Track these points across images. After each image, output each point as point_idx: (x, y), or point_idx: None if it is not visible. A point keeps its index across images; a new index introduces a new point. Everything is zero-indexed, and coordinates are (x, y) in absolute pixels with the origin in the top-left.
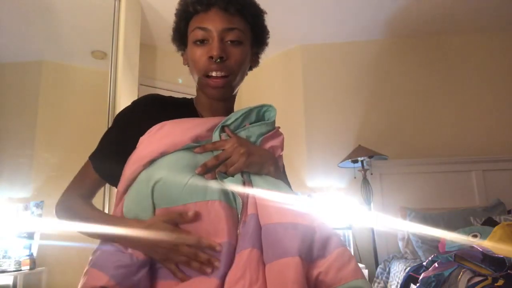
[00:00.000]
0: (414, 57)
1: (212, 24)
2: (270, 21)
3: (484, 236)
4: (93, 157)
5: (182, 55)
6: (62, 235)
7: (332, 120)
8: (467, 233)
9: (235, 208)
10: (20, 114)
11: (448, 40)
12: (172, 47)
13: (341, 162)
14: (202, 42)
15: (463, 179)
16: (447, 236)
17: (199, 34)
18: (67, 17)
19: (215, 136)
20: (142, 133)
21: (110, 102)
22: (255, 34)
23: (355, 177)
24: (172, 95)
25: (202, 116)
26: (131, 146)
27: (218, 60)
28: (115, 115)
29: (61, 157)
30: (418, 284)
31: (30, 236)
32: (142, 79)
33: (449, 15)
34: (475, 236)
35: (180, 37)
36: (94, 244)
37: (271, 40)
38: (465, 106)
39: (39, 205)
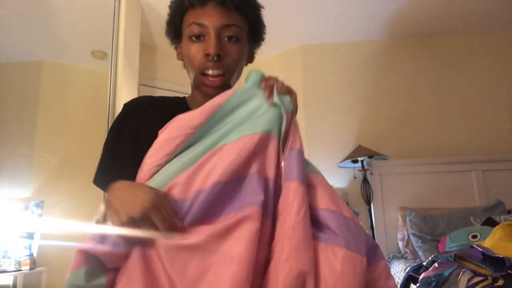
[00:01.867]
0: (414, 57)
1: (209, 19)
2: (270, 21)
3: (484, 236)
4: (96, 180)
5: (176, 48)
6: (62, 235)
7: (332, 120)
8: (467, 233)
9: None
10: (20, 114)
11: (448, 40)
12: (172, 47)
13: (341, 162)
14: (198, 38)
15: (463, 179)
16: (447, 236)
17: (195, 29)
18: (67, 17)
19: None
20: (138, 138)
21: (110, 102)
22: (252, 30)
23: (355, 177)
24: (170, 95)
25: None
26: (130, 154)
27: (215, 58)
28: (115, 115)
29: (61, 157)
30: (418, 284)
31: (30, 236)
32: (142, 79)
33: (449, 15)
34: (475, 236)
35: (175, 31)
36: None
37: (271, 40)
38: (465, 106)
39: (39, 205)
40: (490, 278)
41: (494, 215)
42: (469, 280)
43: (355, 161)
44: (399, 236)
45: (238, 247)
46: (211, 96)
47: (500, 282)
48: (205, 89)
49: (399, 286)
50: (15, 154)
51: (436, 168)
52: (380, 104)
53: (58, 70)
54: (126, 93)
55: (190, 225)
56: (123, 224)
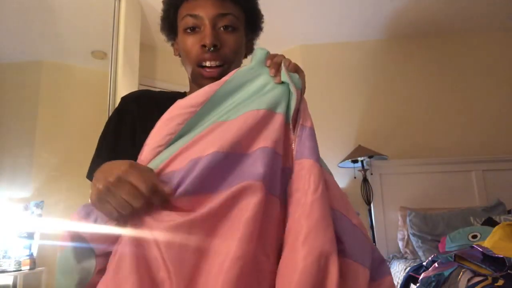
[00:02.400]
0: (414, 57)
1: (203, 10)
2: (270, 21)
3: (484, 236)
4: (90, 175)
5: (173, 45)
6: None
7: (332, 120)
8: (467, 233)
9: (283, 114)
10: (20, 114)
11: (447, 40)
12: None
13: (341, 162)
14: (193, 30)
15: (463, 179)
16: (447, 236)
17: (190, 21)
18: (67, 17)
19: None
20: (135, 132)
21: (110, 102)
22: (248, 19)
23: (355, 177)
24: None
25: None
26: (127, 149)
27: (212, 48)
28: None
29: (61, 157)
30: (418, 284)
31: (30, 236)
32: (142, 79)
33: (448, 15)
34: (475, 236)
35: (170, 26)
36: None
37: (271, 40)
38: (465, 106)
39: (39, 205)
40: (490, 278)
41: (494, 215)
42: (469, 280)
43: (355, 161)
44: (399, 236)
45: (237, 228)
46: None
47: (500, 282)
48: (202, 81)
49: (399, 286)
50: (15, 154)
51: (436, 168)
52: (380, 104)
53: (58, 70)
54: (126, 93)
55: (182, 198)
56: (100, 192)
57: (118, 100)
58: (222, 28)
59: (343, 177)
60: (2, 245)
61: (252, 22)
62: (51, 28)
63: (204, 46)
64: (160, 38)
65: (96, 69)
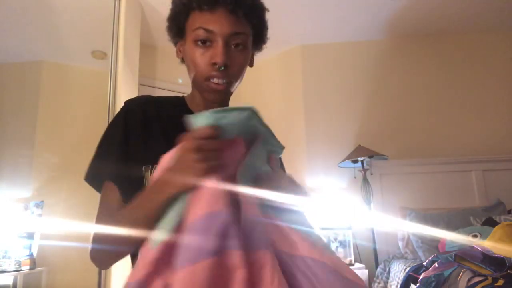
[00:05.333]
0: (414, 57)
1: (218, 26)
2: (270, 21)
3: (484, 236)
4: (90, 177)
5: (176, 45)
6: (62, 235)
7: (332, 120)
8: (467, 233)
9: None
10: (20, 114)
11: (448, 40)
12: (172, 47)
13: (341, 162)
14: (204, 42)
15: (463, 179)
16: (447, 236)
17: (203, 34)
18: (67, 17)
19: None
20: (142, 136)
21: (110, 102)
22: (256, 35)
23: (355, 177)
24: (170, 95)
25: None
26: (132, 149)
27: (222, 67)
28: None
29: (61, 157)
30: (418, 284)
31: (30, 236)
32: (142, 79)
33: (449, 15)
34: (475, 236)
35: (177, 28)
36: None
37: (271, 40)
38: (465, 106)
39: (39, 205)
40: (490, 278)
41: (494, 215)
42: (469, 280)
43: (355, 161)
44: (399, 236)
45: None
46: (212, 101)
47: (500, 282)
48: (208, 95)
49: (399, 286)
50: (15, 154)
51: (436, 168)
52: (380, 104)
53: (58, 70)
54: (126, 93)
55: None
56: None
57: (118, 100)
58: (232, 46)
59: (343, 177)
60: (2, 245)
61: (259, 37)
62: (51, 28)
63: (214, 64)
64: (160, 38)
65: (96, 69)
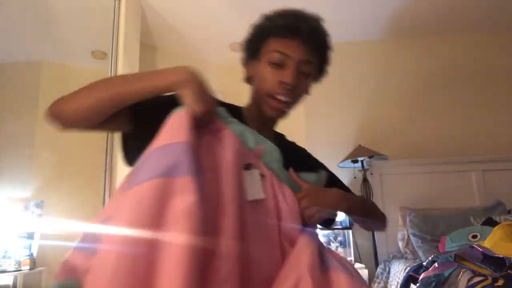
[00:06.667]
0: (414, 57)
1: (293, 52)
2: None
3: (484, 236)
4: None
5: (245, 65)
6: (62, 235)
7: (332, 120)
8: (467, 233)
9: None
10: (20, 114)
11: (448, 40)
12: (172, 48)
13: (341, 162)
14: (278, 65)
15: (463, 179)
16: (447, 236)
17: (278, 58)
18: (67, 17)
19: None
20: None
21: None
22: (319, 69)
23: (355, 177)
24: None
25: (249, 126)
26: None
27: (290, 87)
28: None
29: (61, 157)
30: (418, 284)
31: (30, 236)
32: None
33: (449, 15)
34: (475, 236)
35: (254, 50)
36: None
37: None
38: (465, 106)
39: (39, 205)
40: (490, 278)
41: (494, 215)
42: (469, 280)
43: (355, 161)
44: (399, 236)
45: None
46: (272, 117)
47: (500, 282)
48: (268, 111)
49: (399, 286)
50: (15, 154)
51: (436, 168)
52: (380, 104)
53: (58, 70)
54: None
55: None
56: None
57: None
58: (301, 72)
59: (343, 177)
60: (2, 245)
61: (321, 70)
62: (51, 28)
63: (283, 83)
64: (160, 38)
65: (96, 69)
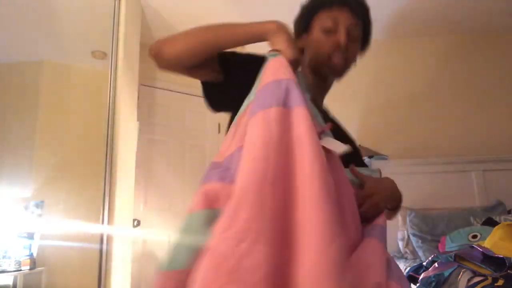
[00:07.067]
0: (413, 57)
1: (343, 18)
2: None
3: (484, 236)
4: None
5: (297, 40)
6: (62, 235)
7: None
8: (467, 233)
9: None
10: (20, 114)
11: (448, 40)
12: None
13: None
14: (329, 31)
15: (463, 179)
16: (447, 236)
17: (330, 24)
18: (67, 17)
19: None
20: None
21: (110, 102)
22: (363, 36)
23: None
24: (173, 96)
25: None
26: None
27: (343, 49)
28: (115, 115)
29: (61, 157)
30: (418, 284)
31: (30, 236)
32: (142, 79)
33: (449, 14)
34: (475, 236)
35: (306, 23)
36: (94, 244)
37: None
38: (465, 106)
39: (39, 205)
40: (490, 278)
41: (494, 215)
42: (469, 280)
43: None
44: (399, 236)
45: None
46: (332, 73)
47: (500, 282)
48: (328, 68)
49: None
50: (15, 154)
51: (436, 168)
52: (380, 104)
53: (58, 70)
54: (126, 93)
55: None
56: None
57: (118, 100)
58: (351, 37)
59: None
60: (2, 245)
61: (365, 37)
62: (51, 28)
63: (337, 44)
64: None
65: (96, 69)
